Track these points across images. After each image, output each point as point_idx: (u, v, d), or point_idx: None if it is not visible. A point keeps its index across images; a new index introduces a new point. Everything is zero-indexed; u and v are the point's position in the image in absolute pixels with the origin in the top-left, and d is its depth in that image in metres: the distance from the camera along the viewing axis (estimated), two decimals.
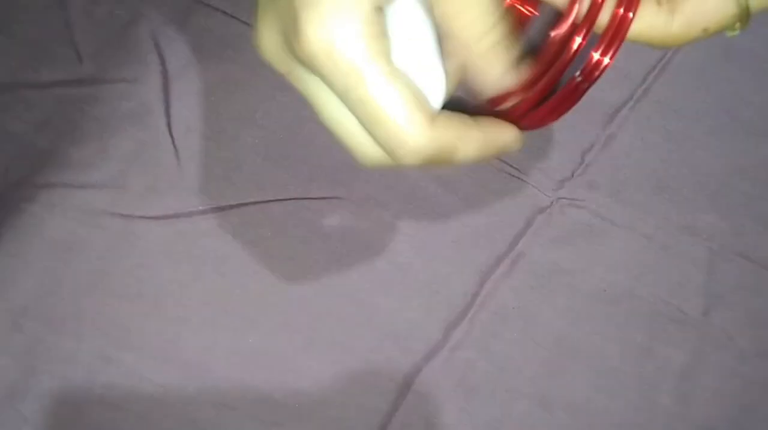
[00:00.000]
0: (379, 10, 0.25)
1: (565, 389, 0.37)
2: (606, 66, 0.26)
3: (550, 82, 0.27)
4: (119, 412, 0.35)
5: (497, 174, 0.40)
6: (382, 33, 0.25)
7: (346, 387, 0.36)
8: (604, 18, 0.26)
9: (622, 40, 0.26)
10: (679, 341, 0.38)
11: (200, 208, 0.37)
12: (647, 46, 0.29)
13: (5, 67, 0.37)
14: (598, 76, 0.27)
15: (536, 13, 0.30)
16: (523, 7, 0.29)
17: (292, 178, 0.38)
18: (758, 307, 0.39)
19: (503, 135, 0.29)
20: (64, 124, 0.37)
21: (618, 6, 0.26)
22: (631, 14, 0.26)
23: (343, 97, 0.26)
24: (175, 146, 0.38)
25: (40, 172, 0.37)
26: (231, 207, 0.38)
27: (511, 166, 0.40)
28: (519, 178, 0.40)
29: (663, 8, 0.27)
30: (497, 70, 0.27)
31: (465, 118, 0.28)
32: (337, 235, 0.38)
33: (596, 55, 0.26)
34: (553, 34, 0.27)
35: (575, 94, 0.27)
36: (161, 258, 0.37)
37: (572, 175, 0.40)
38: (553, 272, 0.39)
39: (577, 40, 0.26)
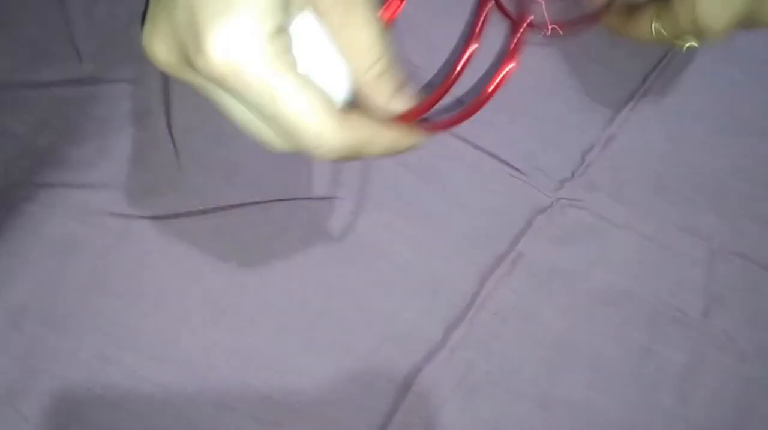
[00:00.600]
0: (281, 30, 0.26)
1: (565, 390, 0.37)
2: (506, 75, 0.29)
3: (436, 98, 0.30)
4: (119, 412, 0.35)
5: (497, 174, 0.40)
6: (286, 49, 0.26)
7: (346, 387, 0.36)
8: None
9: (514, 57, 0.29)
10: (679, 341, 0.38)
11: (200, 208, 0.37)
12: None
13: (4, 66, 0.37)
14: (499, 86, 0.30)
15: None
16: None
17: (292, 178, 0.38)
18: (758, 307, 0.39)
19: (407, 137, 0.31)
20: (63, 124, 0.37)
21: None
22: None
23: (256, 112, 0.27)
24: (175, 146, 0.38)
25: (39, 172, 0.37)
26: (231, 207, 0.38)
27: (511, 166, 0.40)
28: (519, 178, 0.40)
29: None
30: (383, 97, 0.30)
31: (371, 119, 0.30)
32: (337, 235, 0.38)
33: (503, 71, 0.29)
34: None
35: (480, 104, 0.30)
36: (161, 258, 0.37)
37: (572, 176, 0.40)
38: (553, 272, 0.39)
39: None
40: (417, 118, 0.30)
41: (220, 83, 0.26)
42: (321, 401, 0.36)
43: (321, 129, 0.27)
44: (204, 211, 0.37)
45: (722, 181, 0.41)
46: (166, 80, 0.38)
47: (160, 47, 0.27)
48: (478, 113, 0.30)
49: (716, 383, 0.38)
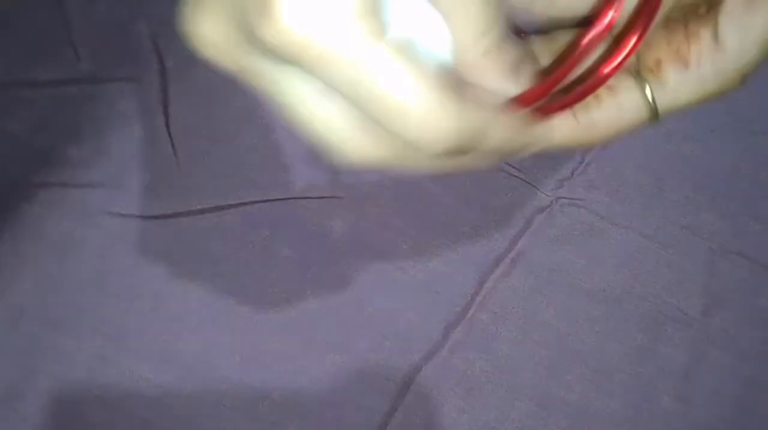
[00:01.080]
0: None
1: (565, 389, 0.37)
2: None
3: (561, 75, 0.24)
4: (118, 412, 0.35)
5: (497, 173, 0.39)
6: (377, 11, 0.21)
7: (346, 387, 0.36)
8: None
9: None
10: (679, 340, 0.38)
11: (199, 207, 0.37)
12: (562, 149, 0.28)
13: (3, 67, 0.37)
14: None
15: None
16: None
17: (292, 178, 0.38)
18: (758, 306, 0.39)
19: (528, 125, 0.25)
20: (61, 124, 0.37)
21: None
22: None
23: (344, 93, 0.22)
24: (173, 146, 0.38)
25: (37, 172, 0.37)
26: (230, 206, 0.37)
27: (511, 165, 0.40)
28: (519, 177, 0.40)
29: (580, 121, 0.27)
30: (494, 77, 0.24)
31: (484, 103, 0.24)
32: (336, 235, 0.38)
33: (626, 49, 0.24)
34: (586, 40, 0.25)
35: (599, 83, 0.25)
36: (160, 258, 0.37)
37: (572, 175, 0.40)
38: (553, 271, 0.39)
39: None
40: (536, 102, 0.25)
41: (295, 57, 0.21)
42: (321, 400, 0.36)
43: (427, 113, 0.22)
44: (203, 211, 0.37)
45: (722, 180, 0.41)
46: (164, 79, 0.38)
47: (209, 26, 0.22)
48: None
49: (716, 383, 0.38)
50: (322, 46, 0.20)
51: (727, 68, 0.26)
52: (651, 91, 0.26)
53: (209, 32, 0.22)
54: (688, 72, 0.26)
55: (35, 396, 0.35)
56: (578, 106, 0.26)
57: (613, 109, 0.26)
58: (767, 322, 0.38)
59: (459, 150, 0.23)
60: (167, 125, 0.38)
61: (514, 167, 0.40)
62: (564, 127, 0.27)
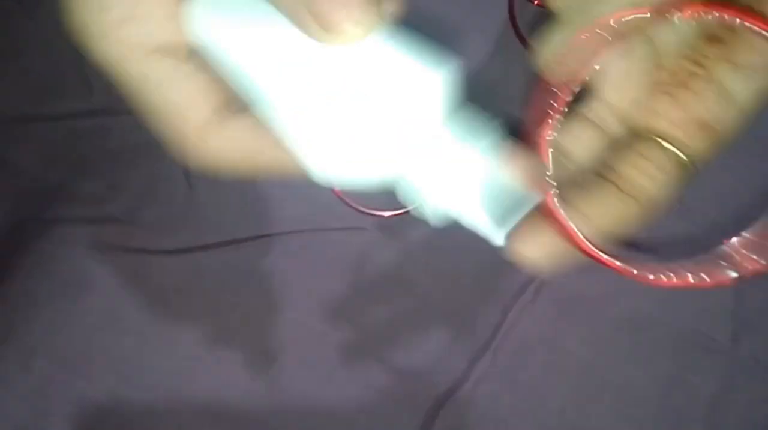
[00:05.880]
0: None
1: (593, 420, 0.36)
2: None
3: None
4: None
5: None
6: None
7: (368, 423, 0.35)
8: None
9: None
10: (708, 368, 0.37)
11: (215, 241, 0.37)
12: None
13: (15, 100, 0.37)
14: None
15: None
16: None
17: (309, 208, 0.37)
18: None
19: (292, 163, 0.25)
20: (74, 158, 0.37)
21: None
22: None
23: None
24: (188, 179, 0.37)
25: (50, 208, 0.36)
26: (247, 239, 0.37)
27: None
28: None
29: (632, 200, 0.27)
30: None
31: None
32: (356, 267, 0.37)
33: None
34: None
35: None
36: (175, 294, 0.36)
37: None
38: (577, 299, 0.38)
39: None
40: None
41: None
42: None
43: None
44: (219, 245, 0.37)
45: (746, 202, 0.40)
46: None
47: (79, 12, 0.26)
48: None
49: (747, 411, 0.37)
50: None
51: (739, 122, 0.27)
52: (679, 150, 0.27)
53: (79, 18, 0.25)
54: (707, 131, 0.27)
55: None
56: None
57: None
58: None
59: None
60: None
61: None
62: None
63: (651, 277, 0.25)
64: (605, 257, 0.25)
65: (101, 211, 0.36)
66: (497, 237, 0.22)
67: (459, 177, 0.21)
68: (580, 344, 0.37)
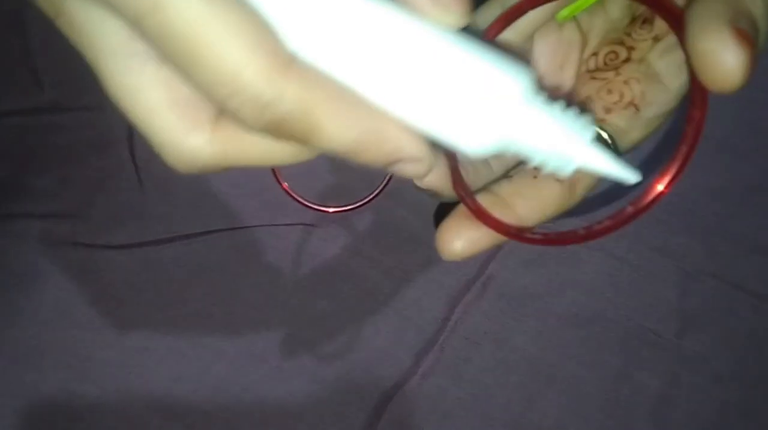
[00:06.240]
0: None
1: (539, 415, 0.37)
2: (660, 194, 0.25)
3: None
4: None
5: None
6: None
7: (316, 417, 0.36)
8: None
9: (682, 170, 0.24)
10: (654, 364, 0.38)
11: (165, 236, 0.37)
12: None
13: None
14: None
15: None
16: None
17: (260, 205, 0.38)
18: (732, 328, 0.38)
19: (402, 136, 0.20)
20: (25, 154, 0.37)
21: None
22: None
23: (140, 29, 0.18)
24: (138, 175, 0.37)
25: (0, 203, 0.37)
26: (197, 235, 0.37)
27: None
28: None
29: (564, 186, 0.27)
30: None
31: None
32: (304, 262, 0.37)
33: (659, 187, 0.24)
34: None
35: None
36: (126, 288, 0.36)
37: None
38: (524, 295, 0.38)
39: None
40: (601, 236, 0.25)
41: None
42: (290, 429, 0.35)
43: (244, 60, 0.18)
44: (170, 240, 0.37)
45: (694, 200, 0.40)
46: None
47: None
48: None
49: (692, 407, 0.37)
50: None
51: (671, 105, 0.27)
52: (608, 136, 0.27)
53: None
54: (639, 114, 0.26)
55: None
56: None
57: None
58: (741, 343, 0.38)
59: (282, 129, 0.19)
60: (132, 154, 0.37)
61: None
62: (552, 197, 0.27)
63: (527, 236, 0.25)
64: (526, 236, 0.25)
65: (52, 206, 0.37)
66: (631, 176, 0.22)
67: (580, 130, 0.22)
68: (526, 339, 0.38)
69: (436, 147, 0.22)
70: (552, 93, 0.27)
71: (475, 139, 0.20)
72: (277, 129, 0.19)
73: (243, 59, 0.18)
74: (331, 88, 0.19)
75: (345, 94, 0.20)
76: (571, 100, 0.27)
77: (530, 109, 0.21)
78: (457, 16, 0.20)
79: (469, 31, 0.20)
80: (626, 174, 0.22)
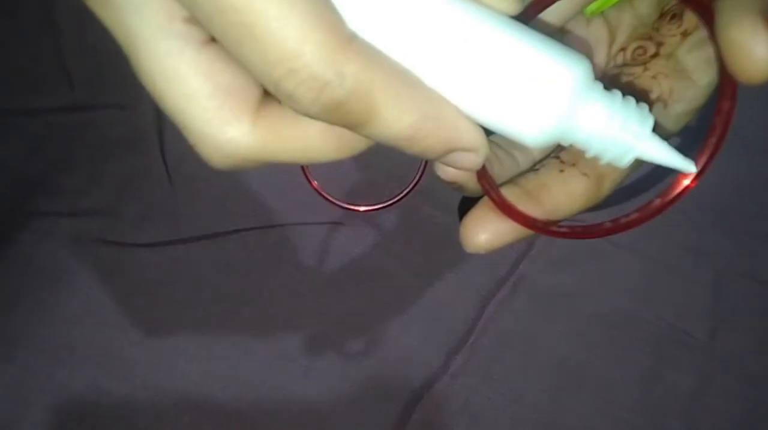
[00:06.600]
0: None
1: (570, 415, 0.36)
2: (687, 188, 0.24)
3: None
4: None
5: None
6: None
7: (344, 417, 0.36)
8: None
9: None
10: (686, 364, 0.37)
11: (195, 234, 0.37)
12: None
13: None
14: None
15: None
16: None
17: (289, 204, 0.37)
18: (765, 328, 0.38)
19: (461, 124, 0.19)
20: (55, 152, 0.37)
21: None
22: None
23: (191, 1, 0.17)
24: (168, 173, 0.37)
25: (30, 201, 0.37)
26: (227, 233, 0.37)
27: None
28: None
29: (591, 180, 0.27)
30: None
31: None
32: (334, 260, 0.37)
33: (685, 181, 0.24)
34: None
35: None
36: (155, 286, 0.36)
37: None
38: (555, 295, 0.38)
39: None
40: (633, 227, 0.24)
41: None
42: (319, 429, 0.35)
43: (303, 40, 0.16)
44: (199, 238, 0.37)
45: (726, 200, 0.40)
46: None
47: None
48: None
49: (724, 407, 0.37)
50: None
51: (699, 101, 0.26)
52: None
53: None
54: (667, 110, 0.26)
55: (29, 427, 0.34)
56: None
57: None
58: None
59: (339, 111, 0.18)
60: (162, 152, 0.37)
61: None
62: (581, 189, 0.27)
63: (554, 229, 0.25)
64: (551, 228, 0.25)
65: (81, 204, 0.37)
66: (689, 166, 0.22)
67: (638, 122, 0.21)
68: (557, 339, 0.37)
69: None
70: None
71: (534, 127, 0.20)
72: (334, 113, 0.18)
73: (302, 36, 0.16)
74: (392, 70, 0.18)
75: (405, 76, 0.18)
76: (630, 89, 0.26)
77: (590, 98, 0.20)
78: (513, 2, 0.19)
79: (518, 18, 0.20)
80: (684, 164, 0.22)
